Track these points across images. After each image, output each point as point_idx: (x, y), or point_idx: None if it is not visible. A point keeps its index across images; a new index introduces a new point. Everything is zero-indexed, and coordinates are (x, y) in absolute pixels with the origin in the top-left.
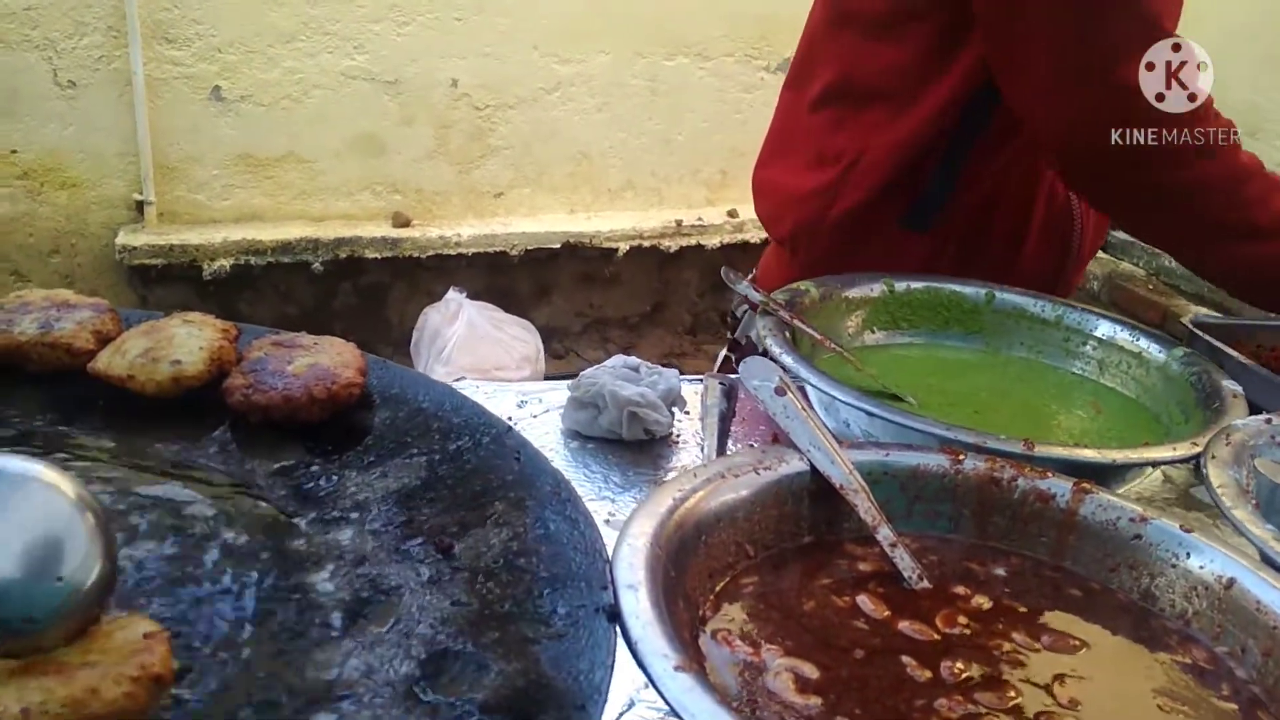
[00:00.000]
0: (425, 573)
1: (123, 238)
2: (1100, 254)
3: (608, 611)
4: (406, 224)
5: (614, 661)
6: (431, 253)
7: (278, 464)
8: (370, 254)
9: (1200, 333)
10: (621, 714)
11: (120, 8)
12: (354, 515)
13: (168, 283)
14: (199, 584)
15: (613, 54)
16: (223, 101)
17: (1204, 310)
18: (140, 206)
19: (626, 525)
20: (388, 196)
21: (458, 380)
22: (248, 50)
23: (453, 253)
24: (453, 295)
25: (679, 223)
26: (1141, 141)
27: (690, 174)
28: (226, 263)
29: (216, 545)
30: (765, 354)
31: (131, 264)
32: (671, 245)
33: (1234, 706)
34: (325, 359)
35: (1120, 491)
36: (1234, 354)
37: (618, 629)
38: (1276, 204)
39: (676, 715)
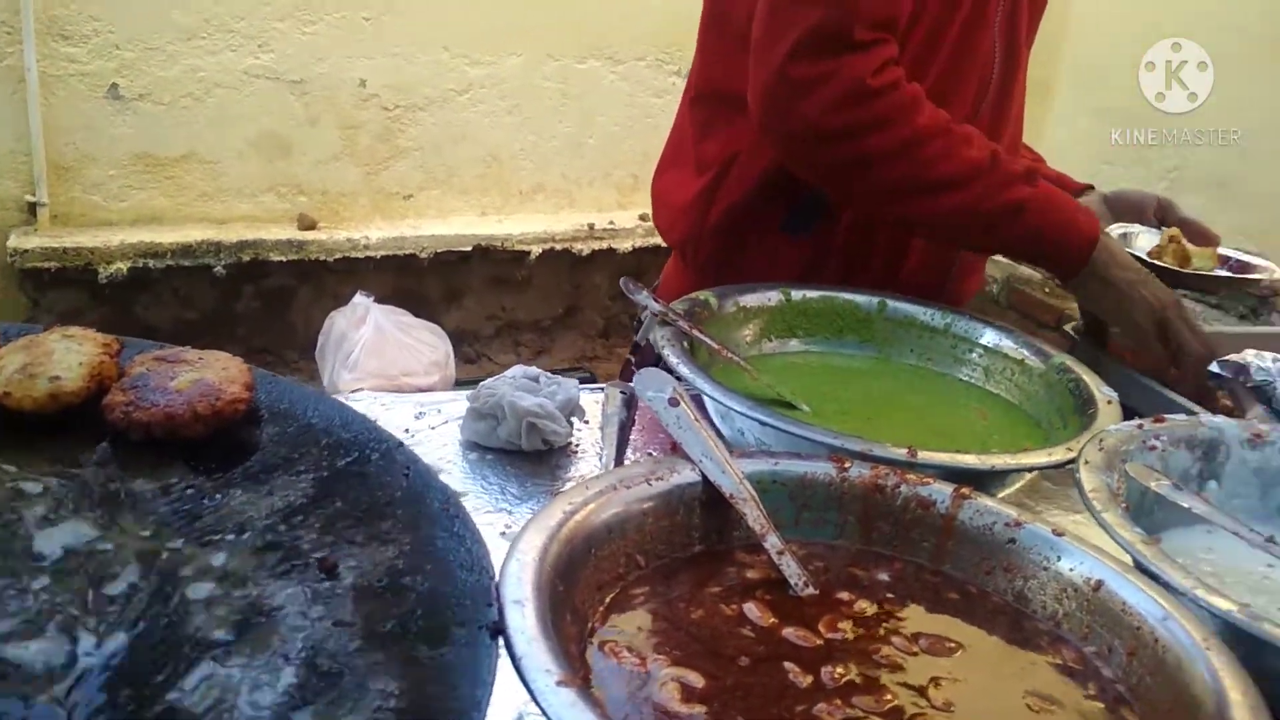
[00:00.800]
0: (308, 593)
1: (14, 240)
2: (999, 258)
3: (490, 629)
4: (312, 226)
5: (494, 679)
6: (338, 255)
7: (159, 483)
8: (274, 257)
9: (1081, 339)
10: None
11: (14, 3)
12: (236, 535)
13: (61, 287)
14: (72, 608)
15: (524, 56)
16: (120, 100)
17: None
18: (33, 208)
19: (516, 540)
20: (292, 198)
21: (355, 391)
22: (147, 47)
23: (360, 255)
24: (359, 299)
25: (591, 226)
26: (810, 124)
27: (602, 177)
28: (123, 266)
29: (91, 566)
30: (660, 364)
31: (23, 267)
32: (583, 248)
33: (1100, 705)
34: (210, 374)
35: (1001, 495)
36: (1114, 359)
37: (501, 645)
38: (962, 155)
39: None
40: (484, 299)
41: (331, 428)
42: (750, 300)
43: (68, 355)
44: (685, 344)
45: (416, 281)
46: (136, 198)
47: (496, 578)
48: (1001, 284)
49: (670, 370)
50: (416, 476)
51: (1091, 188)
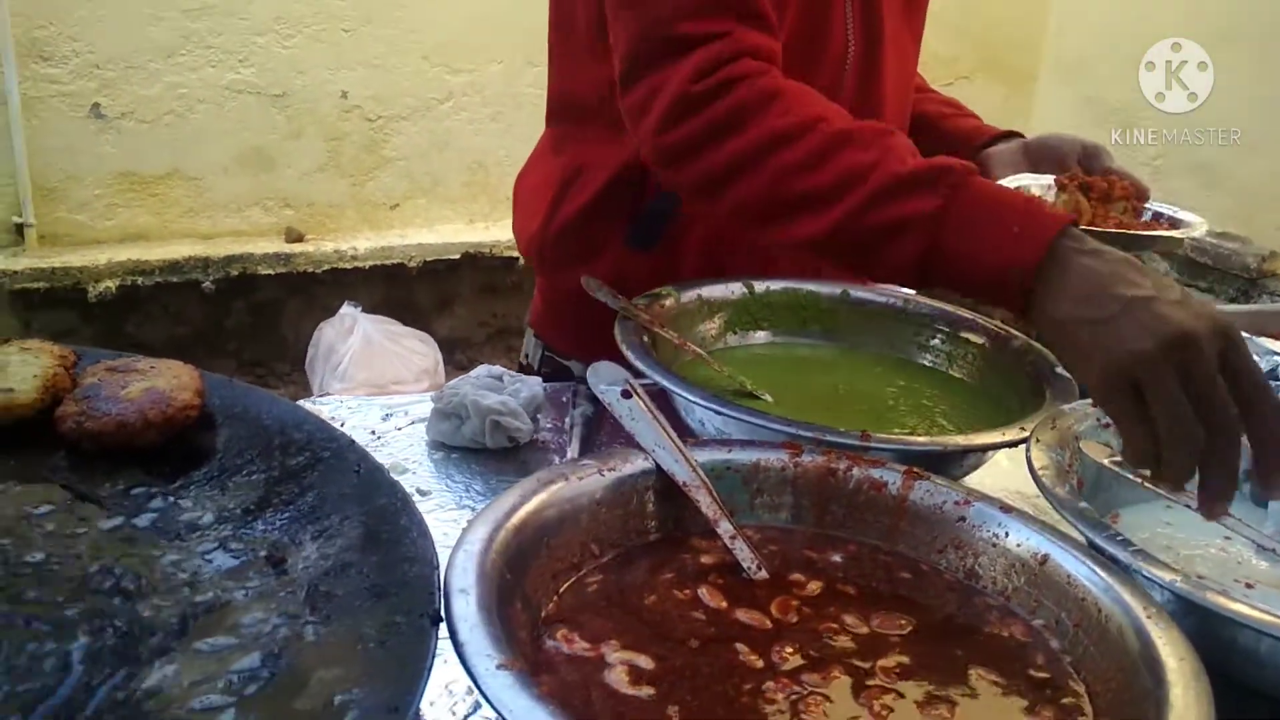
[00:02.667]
0: (255, 588)
1: (2, 262)
2: None
3: (432, 616)
4: (300, 239)
5: (431, 663)
6: (326, 267)
7: (112, 490)
8: (263, 270)
9: None
10: (467, 716)
11: None
12: (186, 535)
13: (51, 307)
14: (19, 617)
15: (504, 63)
16: (103, 119)
17: None
18: (20, 229)
19: (465, 532)
20: (279, 211)
21: (323, 395)
22: (127, 66)
23: (349, 267)
24: (347, 310)
25: None
26: (651, 147)
27: None
28: (112, 284)
29: (42, 572)
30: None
31: (12, 289)
32: None
33: (1047, 675)
34: (161, 382)
35: (968, 478)
36: None
37: (441, 633)
38: (836, 159)
39: (499, 713)
40: (474, 306)
41: (285, 429)
42: (712, 293)
43: (23, 368)
44: (645, 339)
45: (406, 291)
46: (122, 216)
47: (442, 569)
48: None
49: (628, 364)
50: (366, 474)
51: (1015, 135)
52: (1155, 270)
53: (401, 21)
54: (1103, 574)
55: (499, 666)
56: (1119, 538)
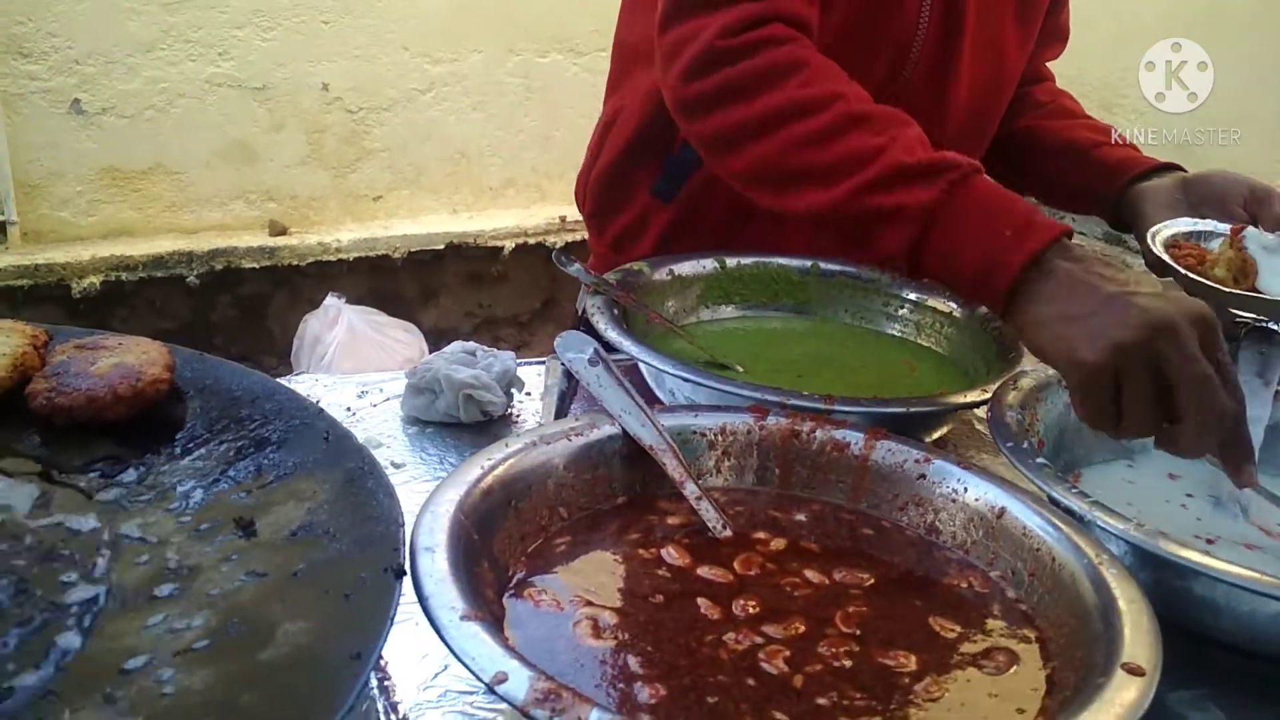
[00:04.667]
0: (225, 550)
1: None
2: None
3: (395, 570)
4: (283, 232)
5: (394, 614)
6: (311, 260)
7: (85, 461)
8: (247, 264)
9: None
10: (436, 675)
11: None
12: (156, 501)
13: (36, 304)
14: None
15: (485, 52)
16: (84, 115)
17: None
18: (3, 227)
19: (432, 495)
20: (262, 205)
21: (298, 374)
22: (107, 61)
23: (333, 259)
24: (331, 301)
25: (563, 219)
26: (673, 95)
27: (571, 169)
28: (96, 280)
29: (10, 540)
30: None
31: None
32: (558, 241)
33: (1003, 623)
34: (130, 358)
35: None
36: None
37: (405, 587)
38: (843, 142)
39: (462, 662)
40: (460, 296)
41: (256, 400)
42: (685, 268)
43: None
44: (616, 312)
45: (391, 282)
46: (105, 211)
47: (409, 528)
48: None
49: (599, 336)
50: (335, 440)
51: (1173, 167)
52: (1135, 268)
53: (381, 12)
54: (1057, 524)
55: (463, 618)
56: (1076, 490)
